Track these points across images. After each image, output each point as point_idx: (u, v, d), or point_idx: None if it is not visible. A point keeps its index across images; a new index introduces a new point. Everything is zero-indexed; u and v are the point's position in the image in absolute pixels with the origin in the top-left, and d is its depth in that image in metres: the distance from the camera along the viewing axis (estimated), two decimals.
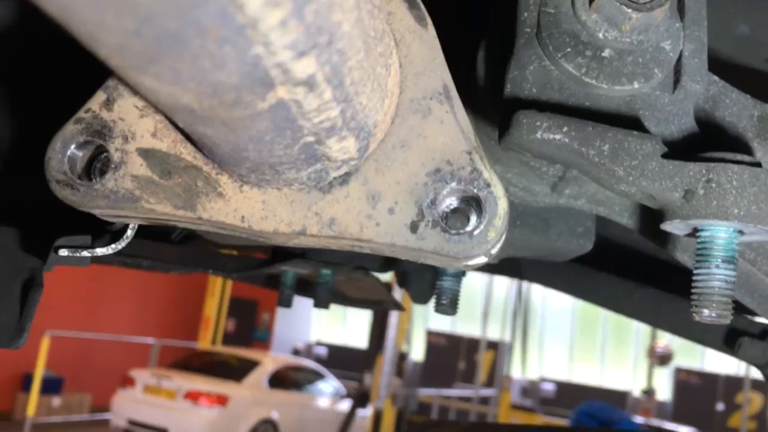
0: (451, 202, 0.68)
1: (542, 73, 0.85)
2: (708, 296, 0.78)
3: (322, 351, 19.33)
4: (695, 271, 0.79)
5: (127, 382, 11.36)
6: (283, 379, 12.04)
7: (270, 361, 12.18)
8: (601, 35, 0.83)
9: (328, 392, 12.81)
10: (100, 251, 0.89)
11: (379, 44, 0.57)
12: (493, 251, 0.68)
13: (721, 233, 0.78)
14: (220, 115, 0.48)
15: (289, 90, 0.46)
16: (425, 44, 0.68)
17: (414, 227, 0.66)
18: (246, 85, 0.44)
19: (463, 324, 17.39)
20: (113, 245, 0.89)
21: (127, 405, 11.16)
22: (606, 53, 0.84)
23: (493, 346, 15.68)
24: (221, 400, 10.83)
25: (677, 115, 0.86)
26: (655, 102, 0.86)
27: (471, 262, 0.69)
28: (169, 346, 14.51)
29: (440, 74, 0.68)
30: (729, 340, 1.32)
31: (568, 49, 0.84)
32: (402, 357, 13.42)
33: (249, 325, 17.96)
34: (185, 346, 14.70)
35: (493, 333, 15.98)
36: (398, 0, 0.69)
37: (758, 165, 0.77)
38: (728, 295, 0.78)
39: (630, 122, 0.85)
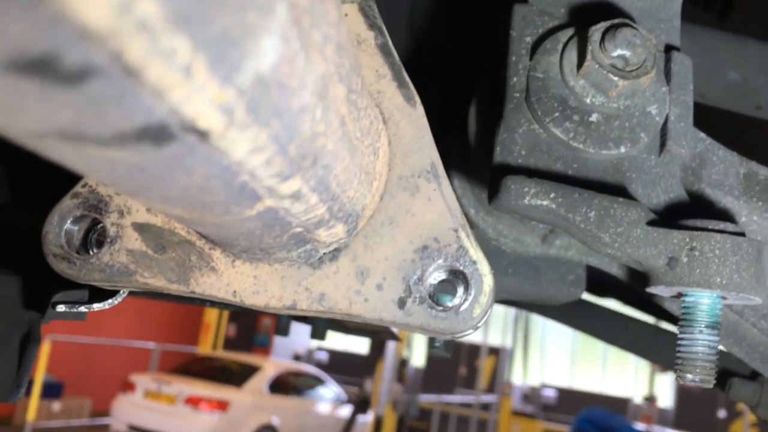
0: (438, 275, 0.69)
1: (531, 137, 0.87)
2: (692, 361, 0.80)
3: (323, 356, 19.34)
4: (679, 336, 0.81)
5: (128, 386, 11.37)
6: (284, 385, 12.05)
7: (271, 367, 12.19)
8: (588, 100, 0.85)
9: (328, 398, 12.82)
10: (96, 307, 0.91)
11: (365, 138, 0.58)
12: (479, 325, 0.70)
13: (704, 300, 0.80)
14: (210, 221, 0.50)
15: (276, 201, 0.48)
16: (414, 123, 0.70)
17: (401, 303, 0.68)
18: (234, 201, 0.45)
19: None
20: (110, 301, 0.91)
21: (127, 410, 11.16)
22: (593, 118, 0.86)
23: (494, 351, 15.68)
24: (222, 405, 10.83)
25: (663, 176, 0.88)
26: (641, 165, 0.88)
27: (457, 336, 0.70)
28: (169, 351, 14.53)
29: (428, 152, 0.70)
30: (721, 380, 1.34)
31: (556, 114, 0.85)
32: (403, 363, 13.44)
33: (250, 330, 17.97)
34: (186, 351, 14.72)
35: (494, 339, 15.98)
36: (388, 79, 0.71)
37: (741, 234, 0.79)
38: (712, 360, 0.80)
39: (617, 185, 0.87)
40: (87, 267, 0.70)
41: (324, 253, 0.69)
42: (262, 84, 0.32)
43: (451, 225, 0.69)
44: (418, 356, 16.63)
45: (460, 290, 0.69)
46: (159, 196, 0.42)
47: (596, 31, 0.82)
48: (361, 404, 12.21)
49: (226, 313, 15.57)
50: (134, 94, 0.28)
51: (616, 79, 0.82)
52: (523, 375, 17.54)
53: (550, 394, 17.81)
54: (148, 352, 13.97)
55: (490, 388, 15.11)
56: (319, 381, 12.91)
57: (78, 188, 0.71)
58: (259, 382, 11.60)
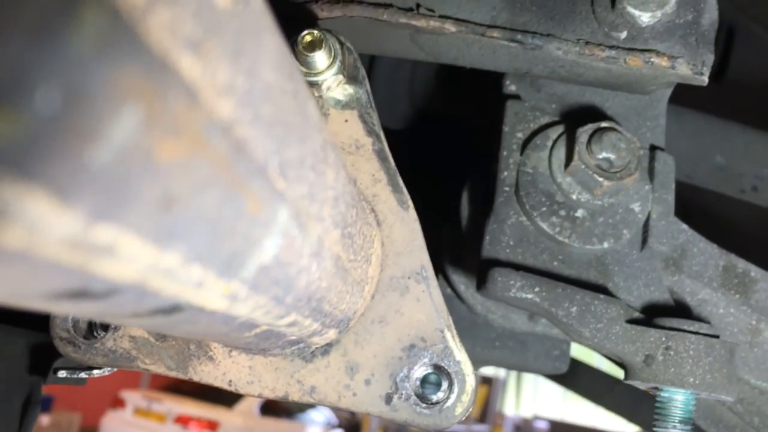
0: (424, 370, 0.73)
1: (519, 228, 0.91)
2: None
3: None
4: (654, 429, 0.84)
5: (118, 403, 11.33)
6: (275, 407, 11.98)
7: None
8: (574, 197, 0.89)
9: (319, 421, 12.76)
10: (96, 373, 0.95)
11: (359, 254, 0.62)
12: (461, 420, 0.74)
13: (678, 396, 0.83)
14: (211, 338, 0.54)
15: (273, 327, 0.52)
16: (406, 226, 0.74)
17: (388, 399, 0.72)
18: (234, 330, 0.49)
19: None
20: (109, 368, 0.94)
21: (116, 427, 11.12)
22: (579, 213, 0.90)
23: (487, 381, 15.63)
24: (211, 425, 10.79)
25: (644, 270, 0.92)
26: (623, 259, 0.92)
27: (439, 431, 0.74)
28: None
29: (419, 255, 0.74)
30: None
31: (544, 208, 0.90)
32: None
33: None
34: None
35: (487, 368, 15.93)
36: (383, 183, 0.75)
37: (715, 336, 0.83)
38: None
39: (599, 279, 0.91)
40: (91, 351, 0.74)
41: (316, 348, 0.72)
42: (264, 270, 0.36)
43: (437, 325, 0.72)
44: None
45: (444, 385, 0.73)
46: (166, 330, 0.45)
47: (584, 133, 0.87)
48: (352, 429, 12.16)
49: None
50: (152, 299, 0.32)
51: (601, 179, 0.86)
52: (515, 405, 17.49)
53: (542, 426, 17.71)
54: None
55: (482, 418, 15.05)
56: (310, 404, 12.86)
57: None
58: (250, 404, 11.54)
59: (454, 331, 0.73)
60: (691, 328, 0.83)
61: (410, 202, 0.75)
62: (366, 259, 0.68)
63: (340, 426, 12.96)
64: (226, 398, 11.45)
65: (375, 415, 0.72)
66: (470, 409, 0.73)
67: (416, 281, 0.73)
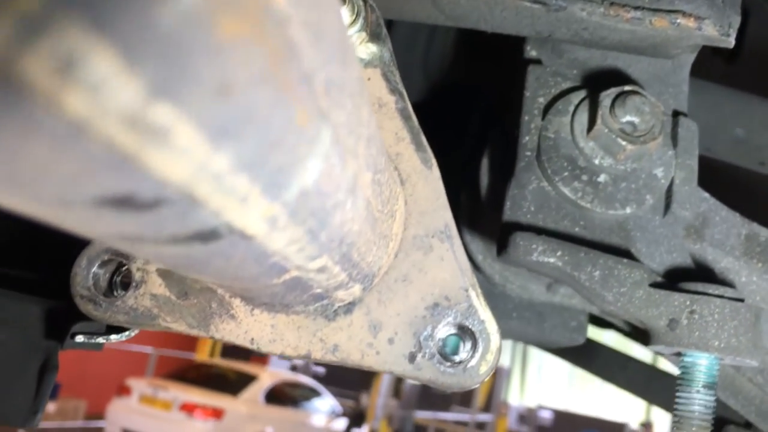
0: (448, 330, 0.72)
1: (540, 194, 0.90)
2: (688, 420, 0.82)
3: (320, 368, 19.31)
4: (677, 394, 0.84)
5: (123, 390, 11.36)
6: (280, 395, 12.03)
7: (267, 376, 12.18)
8: (597, 161, 0.88)
9: (324, 410, 12.80)
10: (114, 338, 0.94)
11: (385, 207, 0.62)
12: (485, 379, 0.73)
13: (702, 360, 0.83)
14: (238, 287, 0.53)
15: (303, 273, 0.51)
16: (430, 185, 0.73)
17: (412, 357, 0.71)
18: (263, 274, 0.49)
19: None
20: (127, 333, 0.94)
21: (121, 414, 11.15)
22: (601, 178, 0.89)
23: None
24: (216, 413, 10.82)
25: (667, 237, 0.91)
26: (646, 225, 0.91)
27: (463, 389, 0.74)
28: (166, 356, 14.54)
29: (442, 214, 0.73)
30: (716, 427, 1.36)
31: (566, 173, 0.89)
32: (400, 378, 13.43)
33: None
34: (183, 357, 14.72)
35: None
36: (407, 142, 0.74)
37: (739, 299, 0.82)
38: (708, 419, 0.82)
39: (622, 243, 0.90)
40: (112, 309, 0.74)
41: (339, 306, 0.72)
42: (304, 195, 0.35)
43: (461, 284, 0.72)
44: None
45: (468, 345, 0.72)
46: (195, 273, 0.45)
47: (607, 97, 0.86)
48: (357, 418, 12.20)
49: None
50: (195, 215, 0.31)
51: (624, 143, 0.85)
52: (520, 395, 17.51)
53: (546, 415, 17.76)
54: (146, 357, 13.99)
55: (486, 408, 15.08)
56: (315, 393, 12.90)
57: None
58: (256, 392, 11.59)
59: (479, 290, 0.72)
60: (716, 292, 0.82)
61: (434, 161, 0.74)
62: (391, 215, 0.67)
63: (344, 414, 13.00)
64: (231, 386, 11.49)
65: (398, 374, 0.71)
66: (494, 369, 0.72)
67: (440, 240, 0.73)
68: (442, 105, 1.35)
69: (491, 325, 0.71)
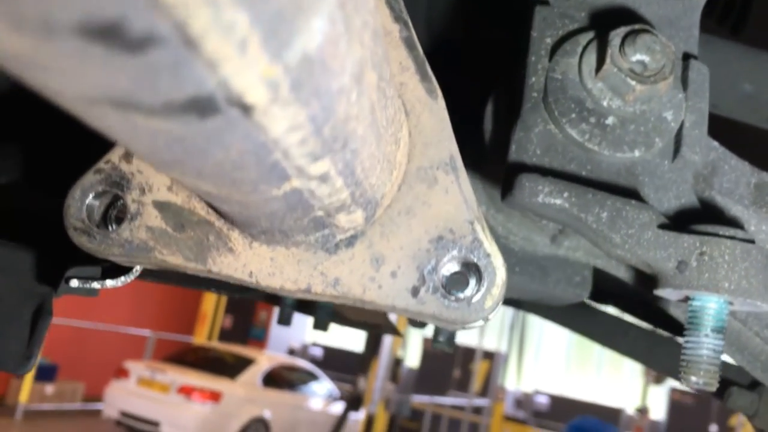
0: (452, 266, 0.70)
1: (547, 136, 0.88)
2: (696, 364, 0.81)
3: (318, 352, 19.36)
4: (685, 339, 0.82)
5: (121, 373, 11.38)
6: (277, 379, 12.06)
7: (265, 360, 12.20)
8: (605, 103, 0.86)
9: (321, 394, 12.83)
10: (110, 283, 0.92)
11: (390, 127, 0.59)
12: (490, 317, 0.71)
13: (711, 303, 0.81)
14: (236, 199, 0.51)
15: (303, 182, 0.49)
16: (434, 116, 0.71)
17: (415, 291, 0.69)
18: (263, 180, 0.46)
19: (460, 332, 17.38)
20: (123, 278, 0.92)
21: (120, 396, 11.17)
22: (609, 121, 0.87)
23: (489, 356, 15.70)
24: (214, 396, 10.85)
25: (675, 182, 0.89)
26: (654, 169, 0.89)
27: (467, 326, 0.72)
28: (165, 340, 14.55)
29: (447, 145, 0.71)
30: (719, 388, 1.35)
31: (573, 115, 0.86)
32: (397, 362, 13.46)
33: (246, 323, 18.00)
34: (181, 340, 14.74)
35: (490, 343, 16.00)
36: (411, 72, 0.72)
37: (750, 241, 0.80)
38: (716, 363, 0.81)
39: (629, 187, 0.88)
40: (107, 242, 0.72)
41: (340, 239, 0.70)
42: (307, 63, 0.33)
43: (467, 217, 0.70)
44: (412, 356, 16.64)
45: (472, 282, 0.70)
46: (192, 170, 0.43)
47: (616, 36, 0.83)
48: (354, 401, 12.23)
49: (222, 305, 15.60)
50: (190, 65, 0.29)
51: (633, 83, 0.83)
52: (516, 380, 17.56)
53: (542, 400, 17.82)
54: (144, 340, 14.00)
55: (483, 392, 15.12)
56: (312, 377, 12.93)
57: (101, 164, 0.72)
58: (253, 375, 11.61)
59: (484, 224, 0.70)
60: (727, 233, 0.80)
61: (439, 92, 0.72)
62: (395, 140, 0.65)
63: (342, 398, 13.03)
64: (229, 370, 11.51)
65: (400, 309, 0.69)
66: (500, 302, 0.70)
67: (445, 172, 0.70)
68: (447, 63, 1.33)
69: (497, 259, 0.69)
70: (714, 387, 0.82)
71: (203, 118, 0.34)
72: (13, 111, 1.12)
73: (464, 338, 16.88)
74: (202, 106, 0.33)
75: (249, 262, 0.70)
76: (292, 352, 18.63)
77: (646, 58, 0.82)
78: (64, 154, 1.09)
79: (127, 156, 0.72)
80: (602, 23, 0.91)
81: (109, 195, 0.73)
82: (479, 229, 0.69)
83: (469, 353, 15.85)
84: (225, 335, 16.36)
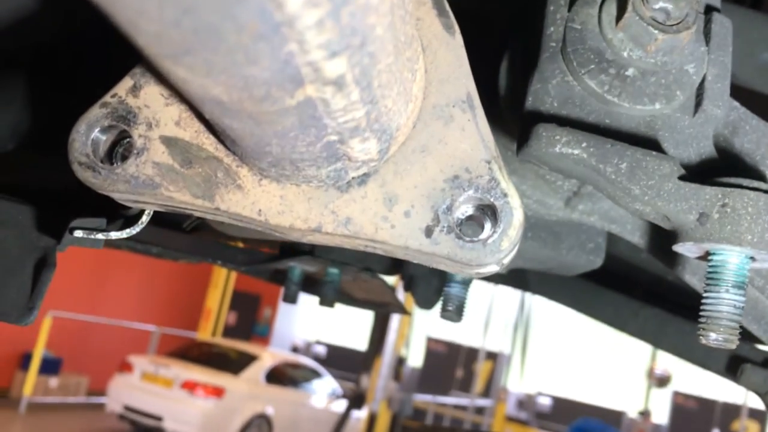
0: (467, 209, 0.68)
1: (565, 88, 0.86)
2: (716, 320, 0.78)
3: (321, 350, 19.35)
4: (704, 295, 0.79)
5: (125, 367, 11.36)
6: (281, 376, 12.04)
7: (268, 357, 12.18)
8: (625, 54, 0.83)
9: (324, 391, 12.80)
10: (114, 235, 0.90)
11: (407, 49, 0.57)
12: (506, 261, 0.69)
13: (732, 258, 0.78)
14: (248, 109, 0.49)
15: (318, 89, 0.47)
16: (451, 52, 0.69)
17: (429, 232, 0.67)
18: (276, 81, 0.44)
19: (463, 333, 17.39)
20: (128, 230, 0.90)
21: (123, 390, 11.16)
22: (629, 72, 0.84)
23: (492, 356, 15.66)
24: (217, 391, 10.83)
25: (696, 138, 0.87)
26: (675, 124, 0.86)
27: (482, 270, 0.69)
28: (169, 335, 14.54)
29: (465, 82, 0.69)
30: (731, 366, 1.32)
31: (592, 66, 0.84)
32: (400, 361, 13.42)
33: (250, 319, 17.99)
34: (185, 336, 14.73)
35: (493, 343, 15.96)
36: (428, 6, 0.69)
37: None
38: (736, 320, 0.78)
39: (649, 142, 0.85)
40: (112, 177, 0.69)
41: (353, 177, 0.67)
42: None
43: (483, 156, 0.67)
44: (415, 356, 16.60)
45: (488, 223, 0.68)
46: (203, 59, 0.40)
47: None
48: (356, 400, 12.19)
49: (227, 300, 15.59)
50: None
51: (655, 32, 0.80)
52: (519, 381, 17.50)
53: (545, 402, 17.77)
54: (148, 335, 13.99)
55: (486, 393, 15.09)
56: (315, 374, 12.90)
57: (107, 98, 0.70)
58: (256, 372, 11.59)
59: (501, 163, 0.68)
60: (751, 185, 0.77)
61: (456, 27, 0.70)
62: (411, 70, 0.62)
63: (344, 396, 12.99)
64: (233, 366, 11.49)
65: (413, 250, 0.67)
66: (516, 246, 0.68)
67: (461, 110, 0.68)
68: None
69: (514, 199, 0.67)
70: (734, 344, 0.79)
71: None
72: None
73: (467, 338, 16.85)
74: None
75: (258, 199, 0.68)
76: (295, 349, 18.62)
77: (668, 5, 0.80)
78: (59, 114, 1.07)
79: (135, 90, 0.70)
80: None
81: (115, 130, 0.71)
82: (496, 169, 0.67)
83: (472, 353, 15.81)
84: (229, 331, 16.34)
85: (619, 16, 0.83)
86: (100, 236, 0.90)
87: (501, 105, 1.02)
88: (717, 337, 0.78)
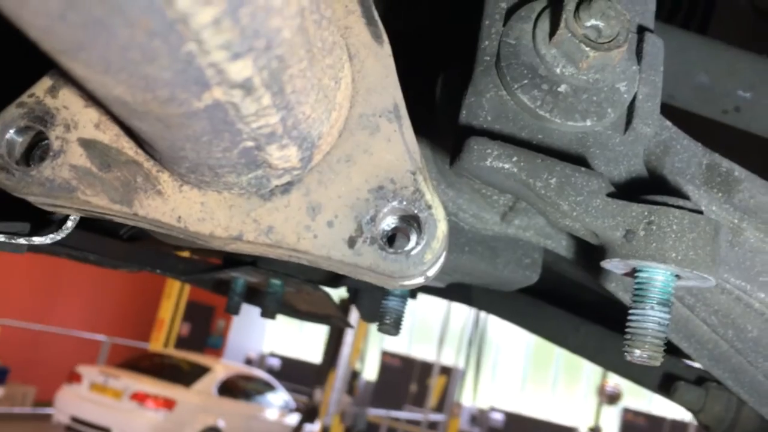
0: (391, 220, 0.67)
1: (498, 102, 0.86)
2: (641, 337, 0.78)
3: (275, 362, 19.17)
4: (630, 312, 0.80)
5: (74, 377, 11.14)
6: (233, 388, 11.91)
7: (221, 369, 12.04)
8: (558, 70, 0.84)
9: (277, 404, 12.69)
10: (37, 240, 0.88)
11: (327, 56, 0.56)
12: (430, 273, 0.68)
13: (658, 275, 0.79)
14: (155, 111, 0.48)
15: (225, 92, 0.45)
16: (380, 61, 0.68)
17: (352, 242, 0.66)
18: (180, 83, 0.43)
19: (418, 347, 17.40)
20: (51, 235, 0.87)
21: (71, 401, 10.93)
22: (562, 88, 0.85)
23: (446, 371, 15.67)
24: (168, 403, 10.67)
25: (626, 156, 0.87)
26: (606, 141, 0.87)
27: (407, 282, 0.69)
28: (120, 345, 14.29)
29: (392, 92, 0.68)
30: (666, 384, 1.33)
31: (525, 81, 0.84)
32: (354, 375, 13.36)
33: (203, 331, 17.77)
34: (137, 346, 14.49)
35: (447, 358, 15.98)
36: (356, 15, 0.69)
37: (699, 212, 0.78)
38: (661, 337, 0.79)
39: (580, 159, 0.86)
40: (26, 179, 0.67)
41: (276, 186, 0.66)
42: None
43: (409, 167, 0.67)
44: (370, 370, 16.55)
45: (413, 237, 0.67)
46: (97, 55, 0.39)
47: (572, 1, 0.82)
48: (310, 413, 12.11)
49: (180, 311, 15.38)
50: None
51: (587, 49, 0.81)
52: (473, 396, 17.54)
53: (498, 417, 17.83)
54: (98, 344, 13.73)
55: (439, 407, 15.07)
56: (269, 387, 12.79)
57: (24, 98, 0.68)
58: (209, 384, 11.45)
59: (427, 175, 0.67)
60: (676, 203, 0.78)
61: (385, 37, 0.69)
62: (334, 77, 0.62)
63: (297, 409, 12.88)
64: (184, 377, 11.32)
65: (336, 261, 0.66)
66: (441, 259, 0.67)
67: (388, 120, 0.68)
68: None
69: (438, 211, 0.66)
70: (658, 362, 0.80)
71: None
72: None
73: (422, 353, 16.86)
74: None
75: (178, 206, 0.67)
76: (249, 361, 18.42)
77: (600, 23, 0.81)
78: None
79: (53, 90, 0.68)
80: None
81: (32, 132, 0.69)
82: (421, 180, 0.67)
83: (426, 368, 15.81)
84: (182, 343, 16.11)
85: (552, 32, 0.83)
86: (22, 241, 0.88)
87: (437, 118, 1.02)
88: (641, 354, 0.78)
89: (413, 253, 0.66)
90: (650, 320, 0.79)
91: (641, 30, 0.90)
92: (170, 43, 0.38)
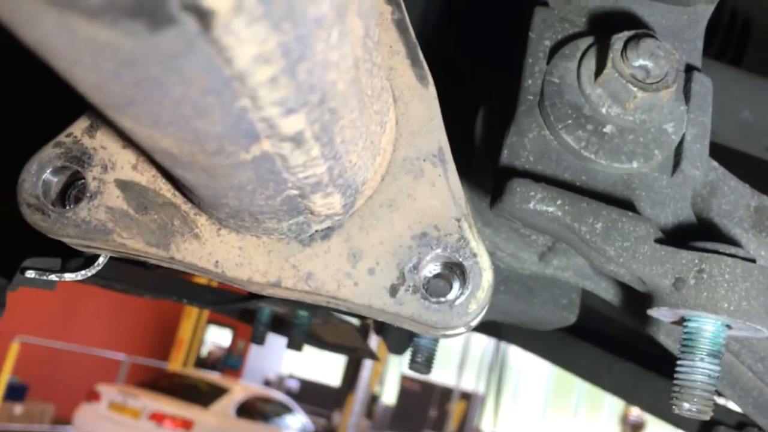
0: (434, 267, 0.65)
1: (541, 143, 0.83)
2: (690, 390, 0.75)
3: (294, 384, 19.09)
4: (678, 363, 0.77)
5: (93, 396, 11.15)
6: (251, 409, 11.86)
7: (239, 390, 12.01)
8: (604, 110, 0.81)
9: (295, 427, 12.62)
10: (68, 277, 0.86)
11: (375, 102, 0.55)
12: (473, 323, 0.66)
13: (708, 326, 0.76)
14: (201, 162, 0.46)
15: (275, 144, 0.44)
16: (424, 104, 0.66)
17: (393, 291, 0.63)
18: (229, 136, 0.41)
19: (439, 371, 17.29)
20: (83, 272, 0.86)
21: (89, 420, 10.93)
22: (607, 129, 0.82)
23: (467, 396, 15.54)
24: (186, 424, 10.64)
25: (674, 198, 0.85)
26: (652, 183, 0.84)
27: (449, 333, 0.66)
28: (139, 364, 14.31)
29: (436, 135, 0.66)
30: (705, 428, 1.29)
31: (570, 121, 0.82)
32: (373, 399, 13.29)
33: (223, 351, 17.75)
34: (156, 366, 14.50)
35: (468, 383, 15.85)
36: (401, 56, 0.67)
37: (752, 260, 0.75)
38: (710, 390, 0.75)
39: (625, 202, 0.83)
40: (62, 221, 0.66)
41: (316, 231, 0.64)
42: None
43: (453, 214, 0.65)
44: (389, 393, 16.44)
45: (456, 284, 0.65)
46: (148, 111, 0.37)
47: (619, 39, 0.79)
48: None
49: (200, 331, 15.40)
50: None
51: (635, 89, 0.78)
52: (493, 422, 17.35)
53: None
54: (118, 363, 13.75)
55: None
56: (287, 409, 12.72)
57: (62, 137, 0.67)
58: (227, 405, 11.41)
59: (472, 222, 0.65)
60: (728, 251, 0.75)
61: (430, 79, 0.67)
62: (381, 122, 0.60)
63: None
64: (203, 398, 11.30)
65: (377, 309, 0.64)
66: (485, 309, 0.64)
67: (432, 164, 0.65)
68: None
69: (483, 260, 0.64)
70: (708, 416, 0.76)
71: (154, 30, 0.29)
72: None
73: (442, 378, 16.72)
74: (152, 11, 0.28)
75: (215, 250, 0.65)
76: (267, 383, 18.37)
77: (649, 63, 0.78)
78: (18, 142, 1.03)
79: (91, 130, 0.67)
80: (603, 29, 0.87)
81: (69, 171, 0.67)
82: (466, 227, 0.64)
83: (446, 393, 15.68)
84: (201, 363, 16.11)
85: (598, 71, 0.81)
86: (53, 277, 0.86)
87: (476, 156, 1.00)
88: (690, 407, 0.75)
89: (457, 303, 0.63)
90: (700, 372, 0.75)
91: (689, 69, 0.88)
92: (224, 100, 0.36)
